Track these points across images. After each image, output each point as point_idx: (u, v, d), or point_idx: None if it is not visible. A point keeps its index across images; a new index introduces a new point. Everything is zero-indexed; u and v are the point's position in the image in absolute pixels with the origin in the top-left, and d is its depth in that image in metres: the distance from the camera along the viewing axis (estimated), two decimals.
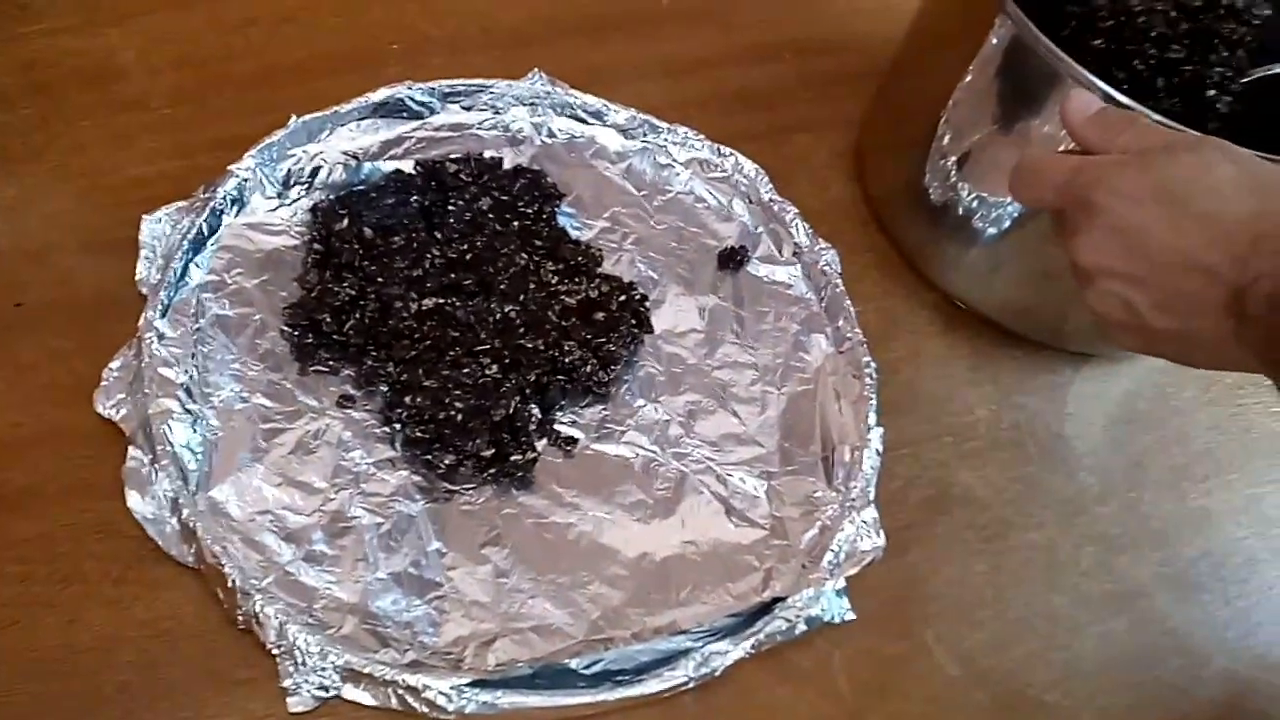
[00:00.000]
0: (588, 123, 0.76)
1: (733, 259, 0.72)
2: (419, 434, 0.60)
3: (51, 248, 0.66)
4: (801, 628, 0.59)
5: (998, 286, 0.72)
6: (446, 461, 0.60)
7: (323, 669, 0.54)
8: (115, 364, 0.62)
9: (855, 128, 0.80)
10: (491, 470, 0.61)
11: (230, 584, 0.55)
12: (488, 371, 0.62)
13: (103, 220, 0.67)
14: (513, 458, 0.61)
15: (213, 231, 0.66)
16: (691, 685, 0.57)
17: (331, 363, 0.64)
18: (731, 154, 0.76)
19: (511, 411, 0.61)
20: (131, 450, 0.59)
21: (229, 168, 0.68)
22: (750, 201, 0.75)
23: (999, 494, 0.68)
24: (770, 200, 0.74)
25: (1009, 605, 0.64)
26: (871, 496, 0.63)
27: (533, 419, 0.63)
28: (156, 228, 0.66)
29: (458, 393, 0.61)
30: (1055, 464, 0.69)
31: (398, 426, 0.61)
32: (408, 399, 0.61)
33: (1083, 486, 0.69)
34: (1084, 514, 0.68)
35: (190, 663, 0.55)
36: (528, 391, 0.63)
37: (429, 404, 0.61)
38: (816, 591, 0.59)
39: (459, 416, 0.60)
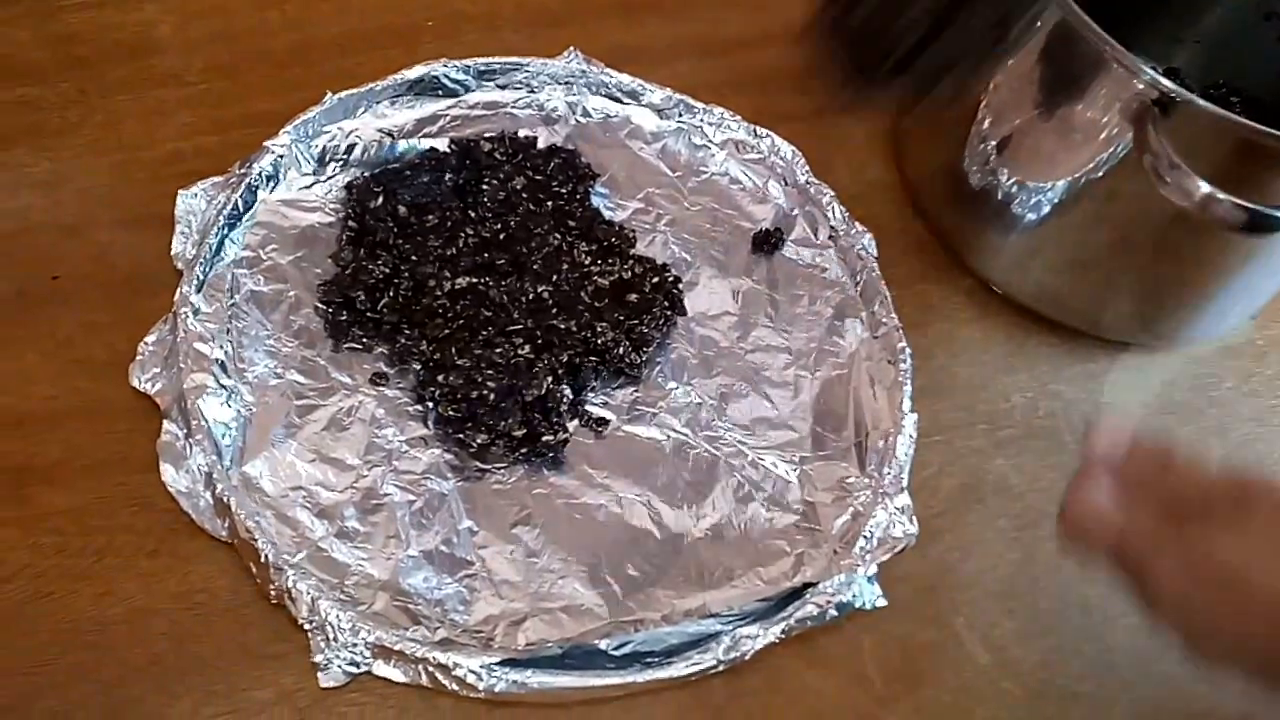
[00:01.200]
0: (623, 102, 0.76)
1: (767, 241, 0.72)
2: (451, 413, 0.60)
3: (88, 222, 0.66)
4: (832, 613, 0.59)
5: (1035, 273, 0.71)
6: (478, 440, 0.60)
7: (354, 645, 0.54)
8: (150, 338, 0.62)
9: (894, 110, 0.79)
10: (523, 450, 0.61)
11: (263, 559, 0.55)
12: (520, 351, 0.62)
13: (139, 195, 0.67)
14: (544, 438, 0.61)
15: (248, 207, 0.66)
16: (720, 668, 0.57)
17: (365, 340, 0.64)
18: (768, 135, 0.75)
19: (544, 392, 0.61)
20: (166, 424, 0.59)
21: (265, 143, 0.68)
22: (786, 184, 0.74)
23: (1033, 483, 0.67)
24: (806, 183, 0.74)
25: (1041, 595, 0.63)
26: (904, 483, 0.63)
27: (564, 399, 0.63)
28: (192, 203, 0.66)
29: (490, 372, 0.61)
30: None
31: (430, 405, 0.61)
32: (440, 378, 0.61)
33: None
34: None
35: (222, 636, 0.55)
36: (560, 372, 0.63)
37: (461, 383, 0.60)
38: (848, 577, 0.59)
39: (491, 396, 0.60)
